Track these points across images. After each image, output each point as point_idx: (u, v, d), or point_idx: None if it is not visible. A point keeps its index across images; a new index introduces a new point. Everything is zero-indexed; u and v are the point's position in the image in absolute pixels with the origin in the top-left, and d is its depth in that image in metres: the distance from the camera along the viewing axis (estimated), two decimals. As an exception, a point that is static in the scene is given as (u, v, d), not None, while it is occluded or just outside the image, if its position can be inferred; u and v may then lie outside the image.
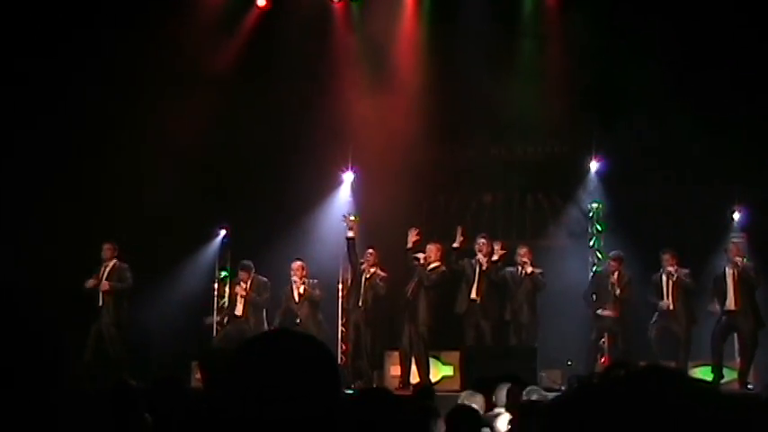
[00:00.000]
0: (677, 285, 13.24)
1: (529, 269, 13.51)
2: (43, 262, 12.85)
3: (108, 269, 13.61)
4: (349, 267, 14.40)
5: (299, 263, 13.81)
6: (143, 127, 14.48)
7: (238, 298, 14.01)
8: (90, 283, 13.51)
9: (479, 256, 13.54)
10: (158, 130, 14.45)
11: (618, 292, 13.39)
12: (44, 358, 1.27)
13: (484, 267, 13.47)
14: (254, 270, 14.01)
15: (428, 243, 13.65)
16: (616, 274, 13.47)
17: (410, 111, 15.38)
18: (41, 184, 13.96)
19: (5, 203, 13.65)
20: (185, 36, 14.85)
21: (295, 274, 13.76)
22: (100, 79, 14.16)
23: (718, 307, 13.03)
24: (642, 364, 1.33)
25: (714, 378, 12.55)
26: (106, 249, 13.68)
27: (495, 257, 13.55)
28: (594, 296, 13.69)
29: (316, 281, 13.95)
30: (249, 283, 13.92)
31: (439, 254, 13.58)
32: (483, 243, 13.61)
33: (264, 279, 14.00)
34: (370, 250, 13.83)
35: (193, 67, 15.05)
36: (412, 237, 13.63)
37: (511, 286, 13.60)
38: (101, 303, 13.49)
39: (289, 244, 14.14)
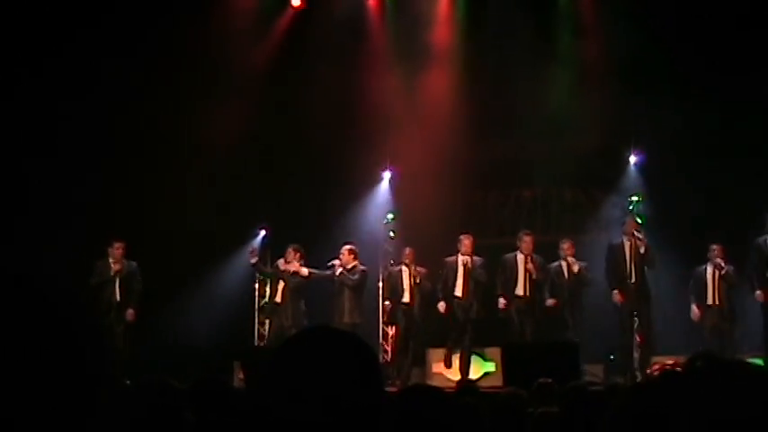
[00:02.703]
0: (723, 279, 13.07)
1: (576, 267, 13.42)
2: (80, 264, 12.92)
3: (118, 272, 13.25)
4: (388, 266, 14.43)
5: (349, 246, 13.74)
6: (180, 126, 14.54)
7: (279, 286, 13.88)
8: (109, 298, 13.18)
9: (519, 253, 13.50)
10: (196, 129, 14.51)
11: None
12: (88, 358, 1.27)
13: (528, 264, 13.42)
14: (302, 254, 13.81)
15: (344, 245, 13.62)
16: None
17: (447, 107, 15.37)
18: (78, 183, 14.01)
19: (40, 204, 13.69)
20: (220, 37, 14.92)
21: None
22: (134, 81, 14.21)
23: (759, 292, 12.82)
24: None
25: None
26: (116, 248, 13.30)
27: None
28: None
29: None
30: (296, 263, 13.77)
31: (351, 255, 13.56)
32: (526, 240, 13.55)
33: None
34: (408, 249, 13.87)
35: (229, 68, 15.12)
36: (466, 245, 13.57)
37: (556, 282, 13.52)
38: (116, 299, 13.22)
39: (328, 243, 14.13)
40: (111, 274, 13.24)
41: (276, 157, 15.55)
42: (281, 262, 13.88)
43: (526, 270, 13.40)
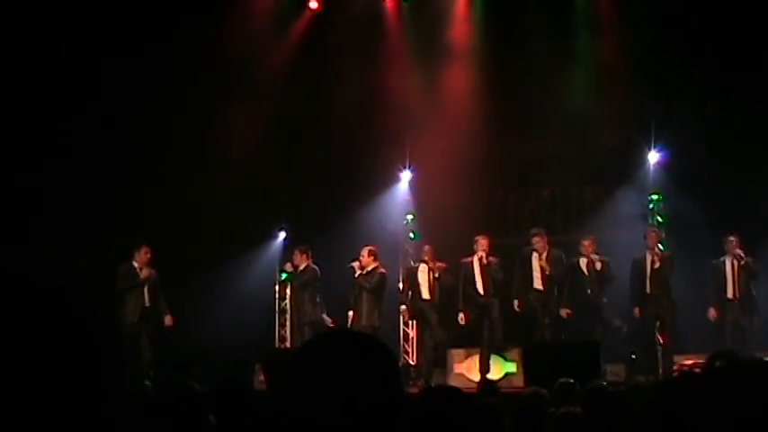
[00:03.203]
0: (743, 270, 12.97)
1: (598, 264, 13.38)
2: (99, 265, 12.97)
3: (147, 278, 13.24)
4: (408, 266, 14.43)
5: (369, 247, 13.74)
6: (199, 128, 14.61)
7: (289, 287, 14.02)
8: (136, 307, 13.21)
9: (535, 252, 13.49)
10: (214, 131, 14.58)
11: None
12: (100, 359, 1.27)
13: (541, 261, 13.40)
14: (309, 255, 13.96)
15: (362, 247, 13.60)
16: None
17: (466, 107, 15.36)
18: (97, 185, 14.07)
19: (62, 207, 13.74)
20: (238, 40, 14.98)
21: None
22: (151, 83, 14.26)
23: None
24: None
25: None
26: (144, 253, 13.26)
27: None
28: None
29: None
30: (304, 265, 13.92)
31: (371, 257, 13.53)
32: (538, 239, 13.53)
33: (316, 269, 13.97)
34: (427, 247, 13.86)
35: (248, 70, 15.17)
36: (483, 245, 13.55)
37: (578, 279, 13.47)
38: (145, 304, 13.26)
39: (348, 244, 14.13)
40: (141, 278, 13.22)
41: (295, 158, 15.58)
42: (288, 265, 14.12)
43: (540, 267, 13.39)
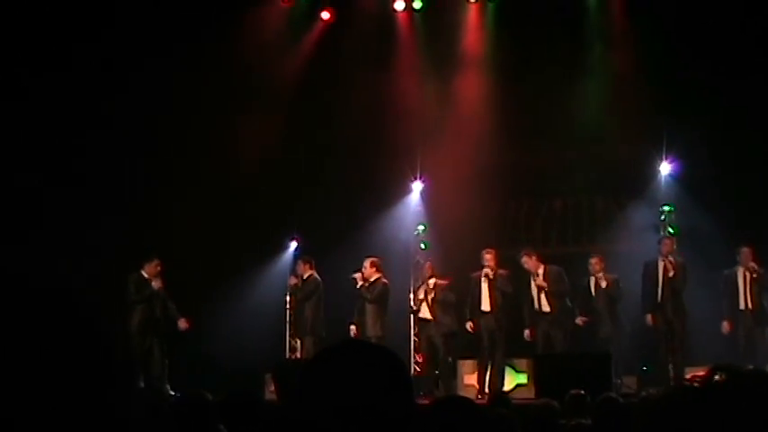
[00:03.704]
0: (755, 282, 12.94)
1: (604, 283, 13.34)
2: (111, 274, 13.02)
3: (161, 289, 13.32)
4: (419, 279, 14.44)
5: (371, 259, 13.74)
6: (209, 139, 14.64)
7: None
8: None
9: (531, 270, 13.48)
10: (225, 142, 14.62)
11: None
12: (105, 365, 1.28)
13: (538, 281, 13.36)
14: (312, 265, 14.04)
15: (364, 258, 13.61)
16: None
17: (478, 118, 15.36)
18: (105, 195, 14.10)
19: (71, 215, 13.77)
20: (251, 51, 15.02)
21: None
22: (168, 95, 14.31)
23: None
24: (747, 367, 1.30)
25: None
26: (155, 266, 13.32)
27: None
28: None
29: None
30: (307, 275, 13.96)
31: (374, 268, 13.53)
32: (526, 259, 13.50)
33: (318, 279, 14.01)
34: (427, 263, 13.89)
35: (259, 80, 15.21)
36: (489, 260, 13.52)
37: (585, 297, 13.45)
38: (158, 315, 13.34)
39: (359, 255, 14.12)
40: (155, 289, 13.28)
41: (307, 169, 15.60)
42: (291, 278, 14.27)
43: (539, 288, 13.35)
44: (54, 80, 13.97)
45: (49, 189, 13.66)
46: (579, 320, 13.39)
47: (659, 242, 13.50)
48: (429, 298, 13.67)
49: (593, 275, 13.42)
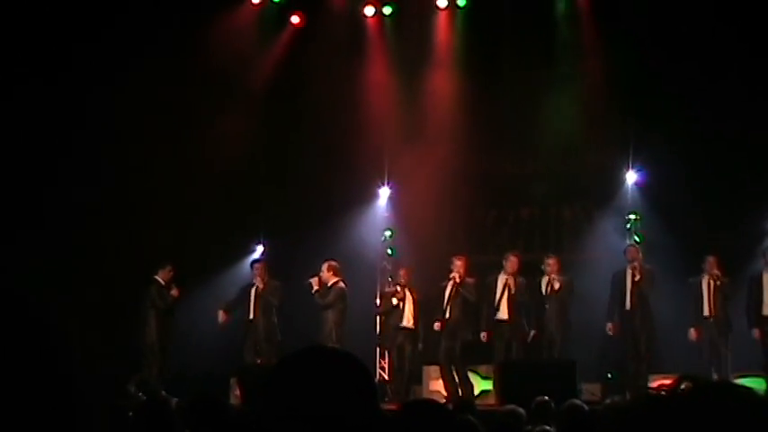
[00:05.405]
0: (719, 290, 13.06)
1: (556, 284, 13.40)
2: (91, 277, 13.01)
3: (175, 299, 13.75)
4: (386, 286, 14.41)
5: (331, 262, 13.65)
6: (179, 142, 14.58)
7: (252, 298, 13.97)
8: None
9: (502, 273, 13.50)
10: (191, 146, 14.55)
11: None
12: (59, 370, 1.27)
13: (509, 281, 13.40)
14: (265, 267, 14.06)
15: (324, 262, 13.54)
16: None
17: (447, 125, 15.39)
18: (84, 200, 14.02)
19: (52, 222, 13.71)
20: (220, 54, 14.97)
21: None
22: (137, 96, 14.22)
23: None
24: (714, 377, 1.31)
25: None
26: (168, 271, 13.78)
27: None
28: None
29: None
30: (263, 282, 13.93)
31: (331, 272, 13.42)
32: (512, 261, 13.54)
33: (278, 282, 13.96)
34: (402, 270, 13.81)
35: (228, 84, 15.16)
36: (459, 267, 13.49)
37: (540, 300, 13.52)
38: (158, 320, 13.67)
39: (325, 259, 14.09)
40: (173, 299, 13.75)
41: (273, 173, 15.57)
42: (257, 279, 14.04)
43: (506, 287, 13.38)
44: (35, 85, 13.90)
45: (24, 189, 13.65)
46: (531, 334, 13.46)
47: (625, 251, 13.61)
48: (415, 308, 13.62)
49: (548, 275, 13.49)
